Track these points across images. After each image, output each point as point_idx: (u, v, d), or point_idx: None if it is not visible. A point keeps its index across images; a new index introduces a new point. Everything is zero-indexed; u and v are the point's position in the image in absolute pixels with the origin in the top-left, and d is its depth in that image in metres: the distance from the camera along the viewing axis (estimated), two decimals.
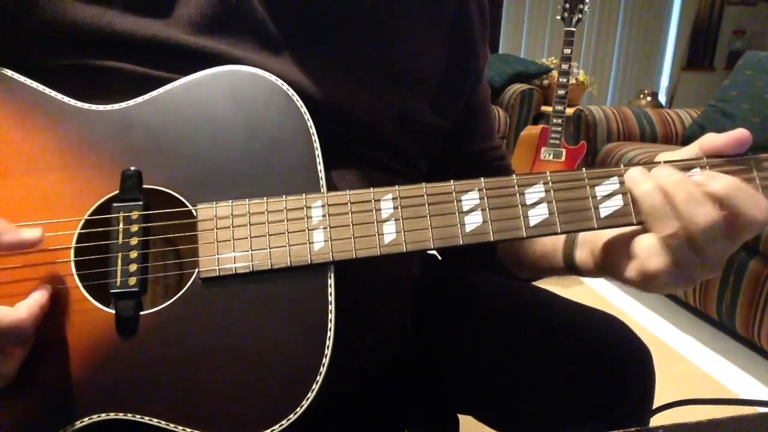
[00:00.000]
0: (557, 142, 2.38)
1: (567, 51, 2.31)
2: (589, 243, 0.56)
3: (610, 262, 0.50)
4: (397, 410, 0.76)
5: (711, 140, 0.46)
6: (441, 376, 0.74)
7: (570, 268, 0.59)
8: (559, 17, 2.31)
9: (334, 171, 0.55)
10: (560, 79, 2.34)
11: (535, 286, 0.78)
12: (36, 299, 0.43)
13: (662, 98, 4.93)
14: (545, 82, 3.59)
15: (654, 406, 0.68)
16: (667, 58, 5.20)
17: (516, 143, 2.61)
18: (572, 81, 3.06)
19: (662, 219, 0.43)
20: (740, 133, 0.45)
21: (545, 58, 4.02)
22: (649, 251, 0.44)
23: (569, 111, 2.53)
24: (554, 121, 2.36)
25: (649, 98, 3.72)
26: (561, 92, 2.33)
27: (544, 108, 3.49)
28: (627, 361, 0.67)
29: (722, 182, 0.42)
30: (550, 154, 2.46)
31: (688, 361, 1.78)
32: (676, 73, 5.16)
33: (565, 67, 2.32)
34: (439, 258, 0.84)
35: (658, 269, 0.43)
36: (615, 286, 2.32)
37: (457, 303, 0.76)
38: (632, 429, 0.44)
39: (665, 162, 0.46)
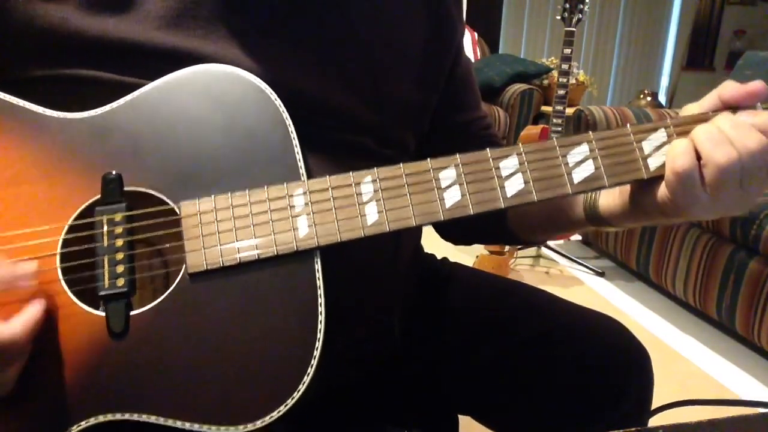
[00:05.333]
0: None
1: (567, 51, 2.30)
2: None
3: (643, 200, 0.51)
4: (395, 410, 0.75)
5: (730, 91, 0.48)
6: (440, 377, 0.73)
7: (591, 217, 0.59)
8: (559, 17, 2.30)
9: (317, 160, 0.55)
10: (560, 79, 2.33)
11: (534, 287, 0.78)
12: (31, 313, 0.42)
13: (662, 98, 4.93)
14: (545, 82, 3.58)
15: (654, 406, 0.68)
16: (667, 58, 5.19)
17: (516, 143, 2.60)
18: (572, 81, 3.05)
19: (721, 145, 0.44)
20: (755, 87, 0.47)
21: (545, 58, 4.01)
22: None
23: (569, 111, 2.52)
24: (554, 121, 2.35)
25: (649, 98, 3.71)
26: (561, 92, 2.33)
27: (544, 108, 3.49)
28: (625, 363, 0.67)
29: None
30: None
31: (688, 361, 1.77)
32: (676, 73, 5.16)
33: (565, 67, 2.31)
34: (443, 246, 0.83)
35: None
36: (615, 286, 2.32)
37: (455, 303, 0.76)
38: (632, 429, 0.43)
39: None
